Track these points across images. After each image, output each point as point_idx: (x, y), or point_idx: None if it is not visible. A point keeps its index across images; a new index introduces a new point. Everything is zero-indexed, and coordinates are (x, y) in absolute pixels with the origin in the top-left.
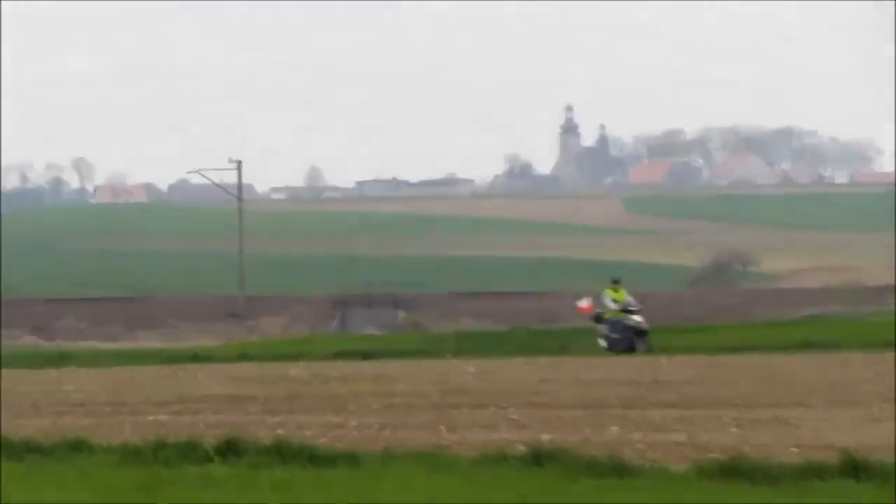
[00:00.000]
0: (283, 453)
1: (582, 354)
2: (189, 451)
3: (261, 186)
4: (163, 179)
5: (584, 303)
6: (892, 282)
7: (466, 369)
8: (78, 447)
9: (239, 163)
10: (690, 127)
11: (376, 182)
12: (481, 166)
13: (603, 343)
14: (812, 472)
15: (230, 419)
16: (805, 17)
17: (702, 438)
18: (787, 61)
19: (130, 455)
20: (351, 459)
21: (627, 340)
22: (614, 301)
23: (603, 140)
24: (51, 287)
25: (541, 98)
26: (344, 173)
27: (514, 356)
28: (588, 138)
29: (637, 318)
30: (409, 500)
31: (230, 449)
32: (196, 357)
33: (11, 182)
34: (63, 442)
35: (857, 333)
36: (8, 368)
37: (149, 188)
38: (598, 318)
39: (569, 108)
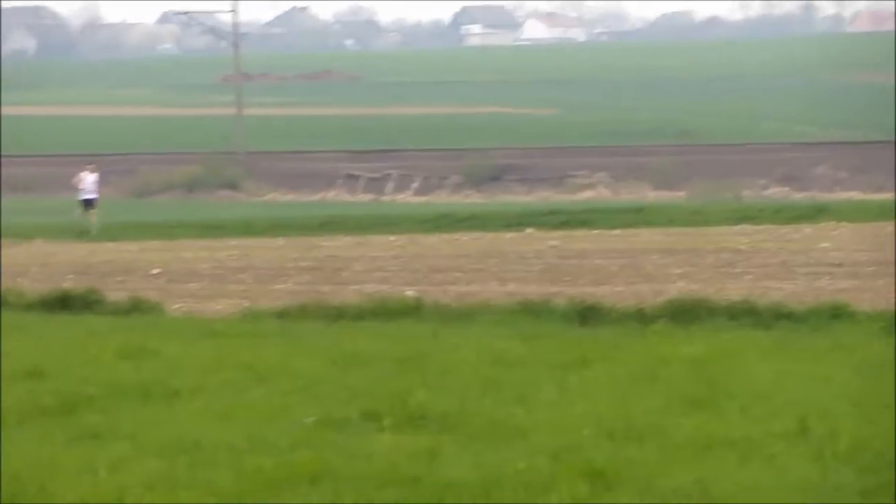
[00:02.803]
0: None
1: None
2: None
3: None
4: None
5: None
6: None
7: None
8: (836, 314)
9: None
10: None
11: None
12: None
13: None
14: None
15: None
16: None
17: None
18: None
19: None
20: None
21: None
22: None
23: None
24: (802, 129)
25: None
26: None
27: None
28: None
29: None
30: None
31: None
32: None
33: (755, 9)
34: (819, 308)
35: None
36: (755, 224)
37: None
38: None
39: None
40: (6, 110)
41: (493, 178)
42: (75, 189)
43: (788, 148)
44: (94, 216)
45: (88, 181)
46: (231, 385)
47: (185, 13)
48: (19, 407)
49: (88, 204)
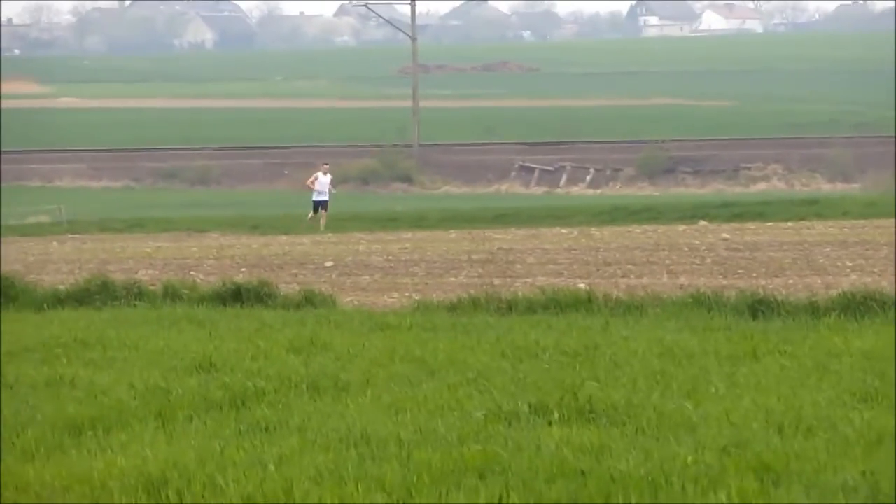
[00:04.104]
0: None
1: None
2: None
3: None
4: None
5: None
6: None
7: None
8: None
9: None
10: None
11: None
12: None
13: None
14: None
15: None
16: None
17: None
18: None
19: None
20: None
21: None
22: None
23: None
24: None
25: None
26: None
27: None
28: None
29: None
30: None
31: None
32: None
33: None
34: None
35: None
36: None
37: None
38: None
39: None
40: (186, 102)
41: (667, 170)
42: (310, 190)
43: None
44: (324, 217)
45: (323, 182)
46: (401, 378)
47: (364, 5)
48: (190, 400)
49: (321, 205)
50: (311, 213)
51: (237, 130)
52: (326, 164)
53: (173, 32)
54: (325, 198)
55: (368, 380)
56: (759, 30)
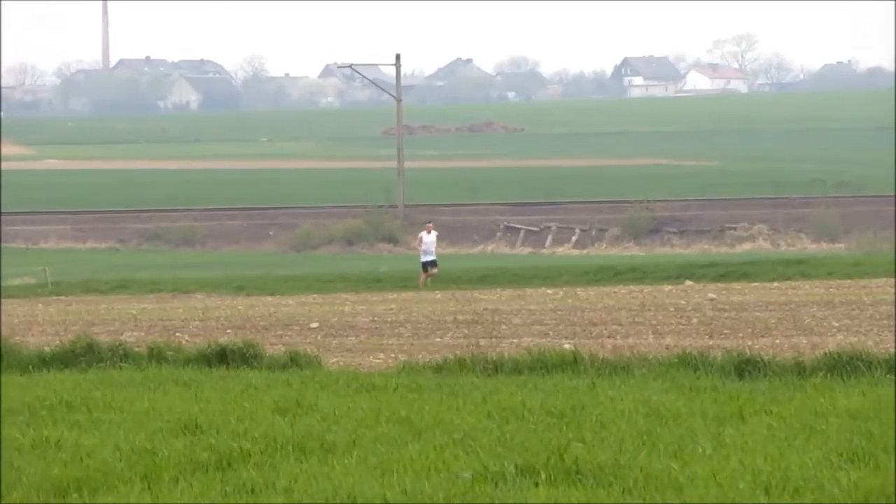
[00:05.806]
0: None
1: None
2: None
3: None
4: None
5: None
6: None
7: None
8: None
9: None
10: None
11: None
12: None
13: None
14: None
15: None
16: None
17: None
18: None
19: None
20: None
21: None
22: None
23: None
24: None
25: None
26: None
27: None
28: None
29: None
30: None
31: None
32: None
33: None
34: None
35: None
36: None
37: None
38: None
39: None
40: (170, 164)
41: (652, 230)
42: (417, 250)
43: None
44: (431, 275)
45: (428, 242)
46: (387, 439)
47: (349, 66)
48: (176, 462)
49: (430, 264)
50: (422, 276)
51: (222, 191)
52: (430, 223)
53: (158, 94)
54: (433, 257)
55: (354, 441)
56: (744, 90)
